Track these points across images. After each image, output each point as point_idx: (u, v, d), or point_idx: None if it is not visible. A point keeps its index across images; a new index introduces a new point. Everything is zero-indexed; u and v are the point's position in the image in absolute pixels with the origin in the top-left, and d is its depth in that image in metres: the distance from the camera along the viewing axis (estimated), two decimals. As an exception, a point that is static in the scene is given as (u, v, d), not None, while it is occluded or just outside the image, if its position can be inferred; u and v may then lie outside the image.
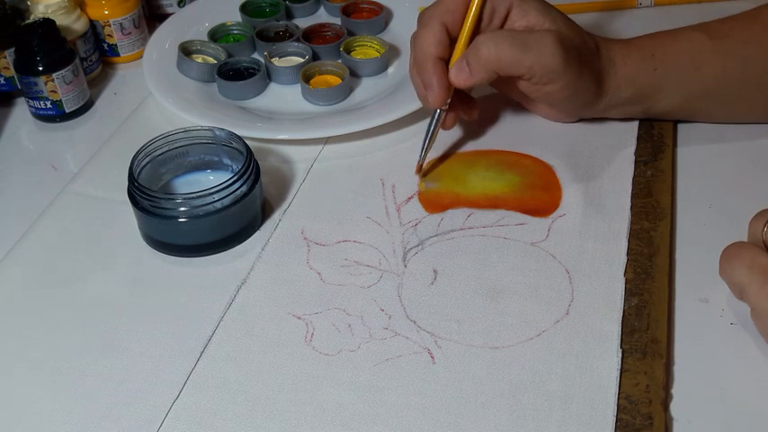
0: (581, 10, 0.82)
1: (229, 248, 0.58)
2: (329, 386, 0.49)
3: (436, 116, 0.62)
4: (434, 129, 0.62)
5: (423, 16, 0.61)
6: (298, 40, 0.76)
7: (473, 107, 0.65)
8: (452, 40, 0.60)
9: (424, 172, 0.63)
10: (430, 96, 0.60)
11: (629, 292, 0.53)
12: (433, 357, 0.50)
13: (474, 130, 0.67)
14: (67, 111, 0.72)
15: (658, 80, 0.61)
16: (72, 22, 0.74)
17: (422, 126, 0.67)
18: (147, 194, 0.56)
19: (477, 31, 0.60)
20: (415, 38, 0.61)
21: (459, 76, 0.59)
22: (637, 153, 0.63)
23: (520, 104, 0.67)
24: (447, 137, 0.66)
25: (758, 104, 0.64)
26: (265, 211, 0.61)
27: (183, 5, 0.84)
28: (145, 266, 0.58)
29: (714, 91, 0.62)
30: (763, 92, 0.62)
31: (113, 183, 0.63)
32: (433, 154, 0.65)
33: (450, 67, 0.60)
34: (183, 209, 0.56)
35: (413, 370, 0.49)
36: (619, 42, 0.63)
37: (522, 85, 0.61)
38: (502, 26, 0.61)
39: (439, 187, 0.62)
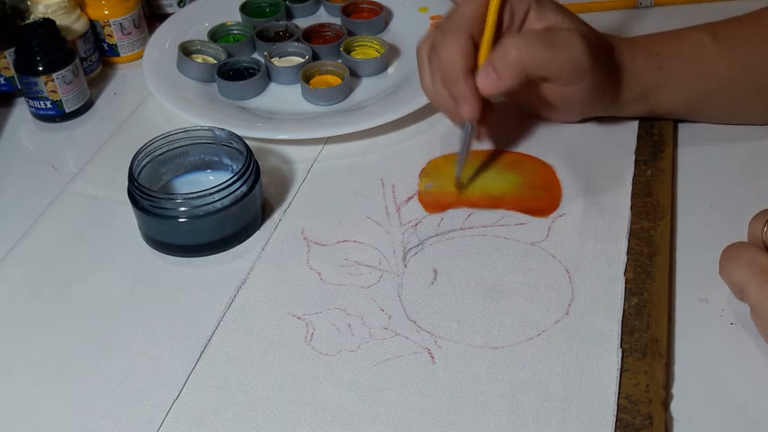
0: (581, 10, 0.82)
1: (229, 248, 0.58)
2: (329, 386, 0.49)
3: (470, 131, 0.59)
4: (469, 143, 0.60)
5: (445, 28, 0.58)
6: (298, 40, 0.76)
7: (490, 108, 0.62)
8: (476, 49, 0.58)
9: (425, 172, 0.63)
10: (464, 110, 0.58)
11: (629, 292, 0.53)
12: (432, 357, 0.50)
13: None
14: (67, 111, 0.72)
15: (663, 79, 0.61)
16: (72, 22, 0.74)
17: (422, 126, 0.67)
18: (147, 194, 0.56)
19: (497, 35, 0.59)
20: (438, 53, 0.58)
21: (487, 83, 0.57)
22: (637, 152, 0.63)
23: (520, 104, 0.67)
24: (448, 137, 0.66)
25: (762, 107, 0.63)
26: (265, 211, 0.61)
27: (183, 5, 0.84)
28: (145, 266, 0.58)
29: (717, 93, 0.62)
30: (766, 95, 0.62)
31: (113, 183, 0.63)
32: (434, 154, 0.65)
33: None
34: (183, 209, 0.56)
35: (413, 370, 0.49)
36: (625, 41, 0.63)
37: (545, 87, 0.59)
38: (520, 29, 0.60)
39: (439, 187, 0.62)
